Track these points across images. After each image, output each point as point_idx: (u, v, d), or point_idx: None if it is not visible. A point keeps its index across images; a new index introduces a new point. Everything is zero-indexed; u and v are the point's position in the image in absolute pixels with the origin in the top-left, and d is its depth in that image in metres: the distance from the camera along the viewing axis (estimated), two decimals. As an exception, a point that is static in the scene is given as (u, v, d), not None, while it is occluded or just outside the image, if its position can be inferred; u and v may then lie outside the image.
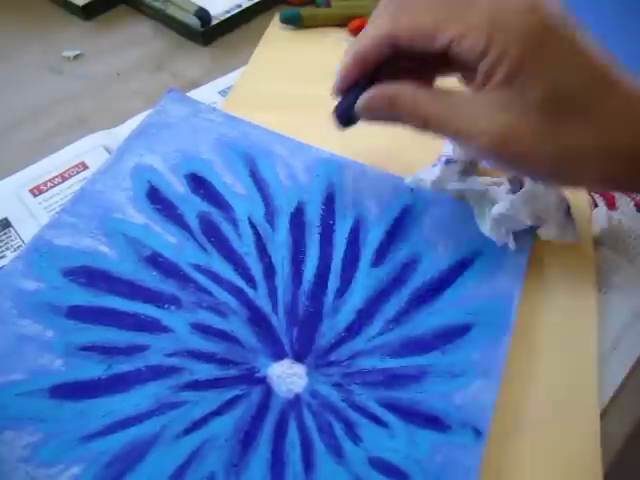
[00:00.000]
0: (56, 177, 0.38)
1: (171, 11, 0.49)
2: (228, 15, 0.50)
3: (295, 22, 0.51)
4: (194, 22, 0.48)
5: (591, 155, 0.27)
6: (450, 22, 0.26)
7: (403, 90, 0.28)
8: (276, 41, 0.50)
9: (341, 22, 0.52)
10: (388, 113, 0.29)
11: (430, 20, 0.26)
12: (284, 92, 0.45)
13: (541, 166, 0.27)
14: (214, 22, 0.49)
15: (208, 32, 0.49)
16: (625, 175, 0.27)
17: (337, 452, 0.28)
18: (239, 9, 0.51)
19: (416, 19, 0.26)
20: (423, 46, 0.27)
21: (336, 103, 0.31)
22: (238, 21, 0.51)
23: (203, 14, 0.48)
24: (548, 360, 0.33)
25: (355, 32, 0.50)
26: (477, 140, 0.27)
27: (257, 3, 0.52)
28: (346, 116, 0.32)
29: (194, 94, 0.44)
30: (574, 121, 0.26)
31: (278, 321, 0.32)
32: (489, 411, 0.30)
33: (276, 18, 0.51)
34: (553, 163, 0.27)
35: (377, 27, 0.28)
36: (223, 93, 0.45)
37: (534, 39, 0.25)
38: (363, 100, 0.29)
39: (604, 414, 0.31)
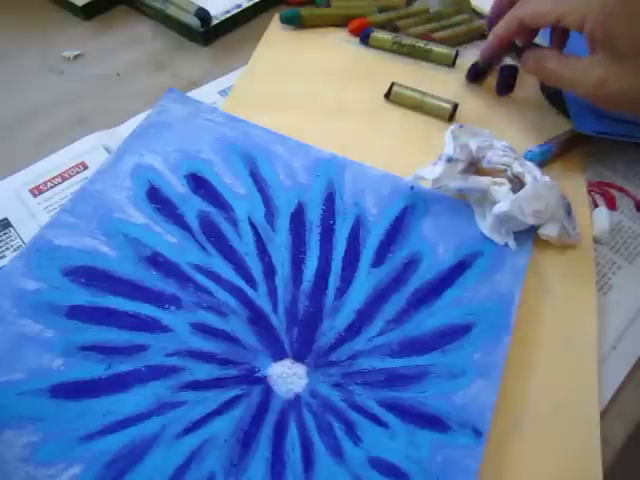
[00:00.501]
0: (56, 177, 0.38)
1: (171, 11, 0.49)
2: (228, 15, 0.50)
3: (295, 22, 0.51)
4: (194, 22, 0.48)
5: None
6: (557, 6, 0.37)
7: (535, 53, 0.42)
8: (276, 41, 0.50)
9: (341, 22, 0.52)
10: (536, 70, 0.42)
11: (543, 8, 0.38)
12: (284, 92, 0.45)
13: (628, 102, 0.37)
14: (214, 22, 0.49)
15: (208, 32, 0.49)
16: None
17: (337, 452, 0.28)
18: (239, 9, 0.51)
19: (536, 7, 0.39)
20: (540, 23, 0.39)
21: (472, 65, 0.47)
22: (238, 21, 0.51)
23: (203, 14, 0.48)
24: (548, 360, 0.33)
25: (355, 32, 0.50)
26: (581, 84, 0.37)
27: (257, 3, 0.52)
28: (479, 73, 0.48)
29: (194, 94, 0.44)
30: None
31: (278, 321, 0.32)
32: (489, 411, 0.30)
33: (276, 18, 0.51)
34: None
35: (509, 17, 0.41)
36: (223, 93, 0.45)
37: (617, 9, 0.34)
38: (526, 56, 0.42)
39: (604, 414, 0.31)
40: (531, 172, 0.36)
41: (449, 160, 0.37)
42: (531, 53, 0.42)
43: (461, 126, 0.39)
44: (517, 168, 0.37)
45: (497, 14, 0.43)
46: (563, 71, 0.39)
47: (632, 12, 0.34)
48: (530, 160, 0.38)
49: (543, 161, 0.41)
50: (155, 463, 0.27)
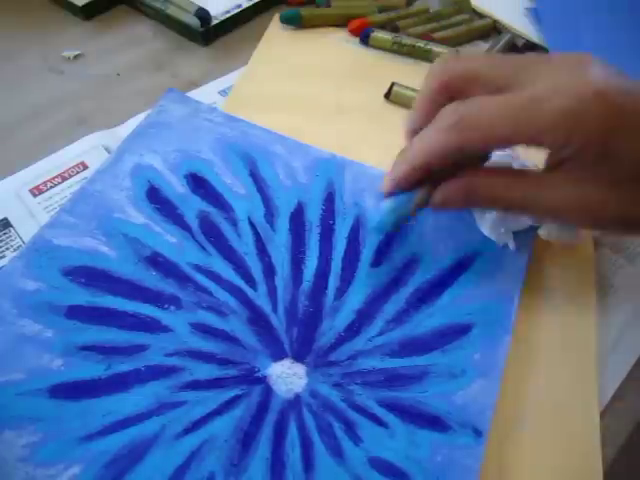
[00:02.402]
0: (56, 177, 0.38)
1: (171, 11, 0.49)
2: (228, 15, 0.50)
3: (295, 22, 0.51)
4: (194, 22, 0.48)
5: None
6: (524, 128, 0.25)
7: (478, 181, 0.28)
8: (276, 41, 0.50)
9: (341, 22, 0.52)
10: (465, 204, 0.29)
11: (503, 131, 0.26)
12: (284, 92, 0.45)
13: (620, 224, 0.28)
14: (214, 22, 0.49)
15: (208, 32, 0.49)
16: None
17: (337, 452, 0.28)
18: (239, 9, 0.51)
19: (488, 132, 0.26)
20: (495, 148, 0.27)
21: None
22: (238, 21, 0.51)
23: (203, 14, 0.48)
24: (548, 360, 0.33)
25: (355, 32, 0.50)
26: (566, 215, 0.28)
27: (257, 3, 0.52)
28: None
29: (194, 94, 0.44)
30: None
31: (278, 321, 0.32)
32: (489, 411, 0.30)
33: (276, 18, 0.51)
34: (633, 221, 0.28)
35: (441, 144, 0.27)
36: (223, 93, 0.45)
37: (612, 125, 0.25)
38: (441, 195, 0.28)
39: (604, 414, 0.31)
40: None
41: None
42: (457, 183, 0.28)
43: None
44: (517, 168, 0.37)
45: (423, 123, 0.28)
46: (537, 197, 0.27)
47: (630, 130, 0.25)
48: (377, 225, 0.30)
49: (398, 220, 0.30)
50: (155, 463, 0.27)
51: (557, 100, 0.25)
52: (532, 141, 0.25)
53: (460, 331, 0.32)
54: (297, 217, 0.36)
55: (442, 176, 0.27)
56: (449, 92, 0.28)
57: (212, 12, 0.49)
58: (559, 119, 0.25)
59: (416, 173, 0.27)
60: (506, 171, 0.28)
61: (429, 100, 0.28)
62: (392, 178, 0.28)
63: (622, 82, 0.25)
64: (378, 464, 0.28)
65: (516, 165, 0.37)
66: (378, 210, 0.28)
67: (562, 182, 0.27)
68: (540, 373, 0.32)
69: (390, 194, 0.28)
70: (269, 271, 0.34)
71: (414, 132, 0.28)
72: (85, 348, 0.30)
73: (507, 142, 0.26)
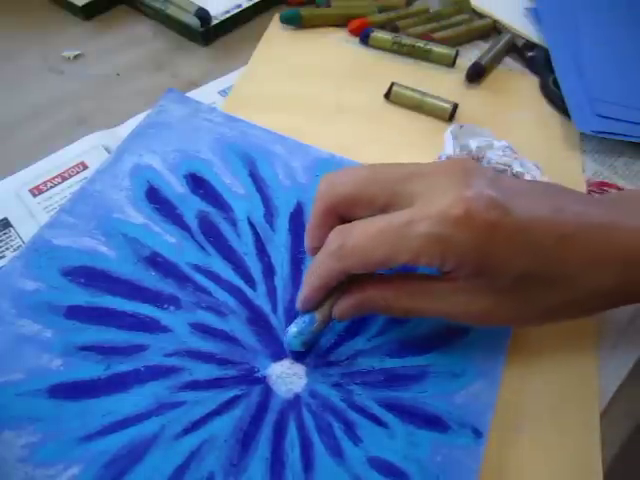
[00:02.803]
0: (56, 177, 0.38)
1: (171, 11, 0.49)
2: (228, 15, 0.50)
3: (295, 22, 0.51)
4: (194, 22, 0.48)
5: (562, 308, 0.29)
6: (398, 252, 0.26)
7: (372, 294, 0.29)
8: (276, 41, 0.50)
9: (341, 22, 0.52)
10: (361, 314, 0.30)
11: (379, 255, 0.26)
12: (284, 92, 0.45)
13: (515, 324, 0.31)
14: (214, 22, 0.49)
15: (208, 32, 0.49)
16: (596, 310, 0.31)
17: (337, 452, 0.28)
18: (239, 9, 0.51)
19: (366, 256, 0.27)
20: (376, 269, 0.28)
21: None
22: (238, 21, 0.51)
23: (203, 14, 0.48)
24: (548, 360, 0.33)
25: (355, 32, 0.50)
26: (456, 319, 0.29)
27: (257, 3, 0.51)
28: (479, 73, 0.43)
29: (194, 94, 0.44)
30: (542, 289, 0.28)
31: (277, 321, 0.32)
32: (489, 412, 0.30)
33: (276, 18, 0.51)
34: (533, 323, 0.31)
35: (328, 269, 0.28)
36: (223, 93, 0.45)
37: (483, 242, 0.26)
38: (338, 312, 0.29)
39: (604, 414, 0.31)
40: (530, 172, 0.36)
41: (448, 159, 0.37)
42: (351, 299, 0.29)
43: (461, 126, 0.39)
44: (517, 168, 0.37)
45: (319, 243, 0.29)
46: (428, 307, 0.29)
47: (503, 246, 0.26)
48: (289, 345, 0.30)
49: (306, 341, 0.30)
50: (154, 463, 0.27)
51: (425, 226, 0.25)
52: (410, 262, 0.26)
53: (460, 332, 0.32)
54: (296, 217, 0.36)
55: (343, 287, 0.29)
56: (336, 215, 0.29)
57: (212, 12, 0.49)
58: (427, 244, 0.26)
59: (317, 293, 0.29)
60: (397, 281, 0.29)
61: (319, 223, 0.29)
62: (300, 299, 0.30)
63: (495, 197, 0.26)
64: (378, 464, 0.28)
65: (517, 165, 0.37)
66: (290, 328, 0.30)
67: (448, 292, 0.28)
68: (540, 373, 0.32)
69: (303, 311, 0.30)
70: (268, 271, 0.34)
71: (314, 250, 0.30)
72: (84, 348, 0.30)
73: (385, 265, 0.27)
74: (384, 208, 0.28)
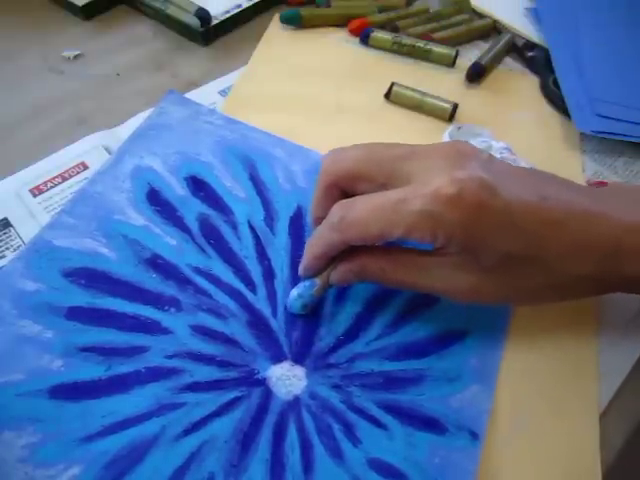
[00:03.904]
0: (56, 177, 0.38)
1: (171, 11, 0.49)
2: (228, 15, 0.50)
3: (295, 22, 0.51)
4: (194, 22, 0.48)
5: (544, 290, 0.30)
6: (392, 227, 0.28)
7: (369, 263, 0.31)
8: (276, 41, 0.50)
9: (341, 22, 0.52)
10: (358, 281, 0.32)
11: (375, 229, 0.28)
12: (284, 92, 0.45)
13: (500, 303, 0.33)
14: (214, 22, 0.49)
15: (208, 32, 0.49)
16: (577, 295, 0.32)
17: (336, 453, 0.28)
18: (239, 9, 0.50)
19: (363, 230, 0.29)
20: (374, 243, 0.30)
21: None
22: (238, 21, 0.51)
23: (203, 14, 0.48)
24: (547, 360, 0.33)
25: (355, 32, 0.51)
26: (447, 294, 0.31)
27: (257, 3, 0.51)
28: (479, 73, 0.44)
29: (194, 94, 0.44)
30: (527, 270, 0.29)
31: (277, 324, 0.32)
32: (485, 415, 0.30)
33: (276, 18, 0.51)
34: (515, 302, 0.33)
35: (329, 239, 0.30)
36: (223, 93, 0.45)
37: (471, 221, 0.27)
38: (336, 275, 0.31)
39: (604, 414, 0.31)
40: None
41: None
42: (350, 265, 0.31)
43: (459, 127, 0.39)
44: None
45: (322, 214, 0.31)
46: (420, 280, 0.30)
47: (490, 226, 0.27)
48: (291, 308, 0.32)
49: (306, 304, 0.32)
50: (155, 464, 0.27)
51: (418, 203, 0.27)
52: (404, 237, 0.28)
53: (456, 336, 0.32)
54: (297, 221, 0.36)
55: (343, 256, 0.31)
56: (339, 188, 0.31)
57: (212, 12, 0.48)
58: (420, 220, 0.27)
59: (318, 262, 0.31)
60: (394, 253, 0.31)
61: (322, 196, 0.32)
62: (302, 267, 0.32)
63: (486, 179, 0.27)
64: (377, 465, 0.28)
65: (513, 164, 0.37)
66: (292, 292, 0.32)
67: (440, 267, 0.30)
68: (539, 373, 0.32)
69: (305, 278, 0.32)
70: (269, 274, 0.34)
71: (317, 220, 0.32)
72: (85, 349, 0.30)
73: (381, 239, 0.29)
74: (383, 184, 0.30)
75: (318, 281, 0.31)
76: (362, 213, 0.29)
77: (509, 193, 0.28)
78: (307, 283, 0.32)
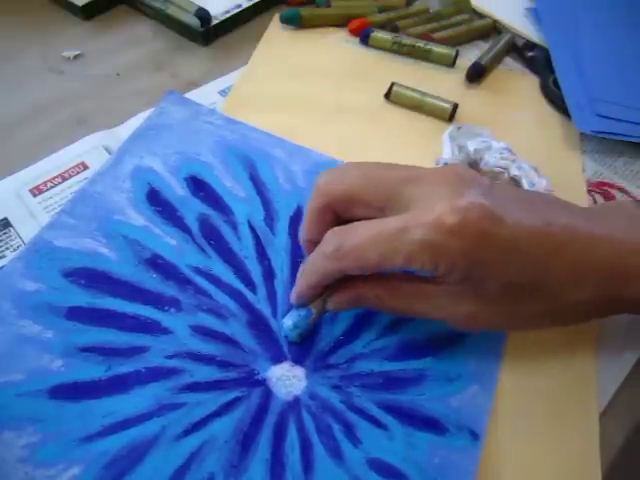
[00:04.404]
0: (56, 177, 0.38)
1: (171, 11, 0.49)
2: (228, 15, 0.50)
3: (295, 22, 0.51)
4: (194, 22, 0.48)
5: (543, 316, 0.30)
6: (392, 257, 0.27)
7: (366, 291, 0.30)
8: (276, 41, 0.50)
9: (341, 22, 0.52)
10: (354, 308, 0.32)
11: (374, 258, 0.27)
12: (284, 92, 0.45)
13: (501, 329, 0.33)
14: (214, 22, 0.49)
15: (208, 32, 0.49)
16: (575, 321, 0.32)
17: (336, 453, 0.28)
18: (239, 9, 0.50)
19: (361, 259, 0.28)
20: (372, 271, 0.29)
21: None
22: (238, 21, 0.51)
23: (203, 14, 0.48)
24: (547, 361, 0.33)
25: (355, 32, 0.51)
26: (444, 321, 0.30)
27: (257, 3, 0.51)
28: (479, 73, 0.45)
29: (194, 94, 0.44)
30: (528, 297, 0.29)
31: (277, 324, 0.32)
32: (485, 414, 0.30)
33: (276, 18, 0.51)
34: (515, 329, 0.32)
35: (324, 269, 0.29)
36: (223, 93, 0.45)
37: (474, 250, 0.26)
38: (333, 304, 0.31)
39: (604, 414, 0.31)
40: (527, 176, 0.36)
41: (446, 164, 0.37)
42: (347, 293, 0.30)
43: (459, 127, 0.39)
44: (514, 171, 0.37)
45: (315, 236, 0.31)
46: (418, 308, 0.30)
47: (493, 255, 0.27)
48: (286, 336, 0.32)
49: (302, 333, 0.31)
50: (155, 464, 0.27)
51: (419, 232, 0.26)
52: (403, 266, 0.27)
53: (456, 336, 0.32)
54: (297, 221, 0.36)
55: (337, 285, 0.30)
56: (332, 211, 0.30)
57: (212, 12, 0.49)
58: (421, 250, 0.26)
59: (312, 291, 0.30)
60: (391, 281, 0.30)
61: (316, 217, 0.30)
62: (295, 295, 0.31)
63: (488, 207, 0.27)
64: (377, 465, 0.28)
65: (514, 168, 0.37)
66: (286, 320, 0.31)
67: (438, 296, 0.29)
68: (539, 374, 0.32)
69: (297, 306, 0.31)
70: (269, 274, 0.34)
71: (309, 242, 0.31)
72: (85, 349, 0.30)
73: (380, 267, 0.28)
74: (380, 209, 0.29)
75: (313, 310, 0.31)
76: (360, 242, 0.28)
77: (512, 219, 0.27)
78: (302, 313, 0.31)
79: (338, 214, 0.30)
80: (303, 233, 0.31)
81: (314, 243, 0.30)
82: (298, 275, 0.31)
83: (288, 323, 0.31)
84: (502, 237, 0.27)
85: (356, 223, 0.29)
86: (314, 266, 0.29)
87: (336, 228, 0.29)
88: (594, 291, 0.29)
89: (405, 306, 0.30)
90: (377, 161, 0.31)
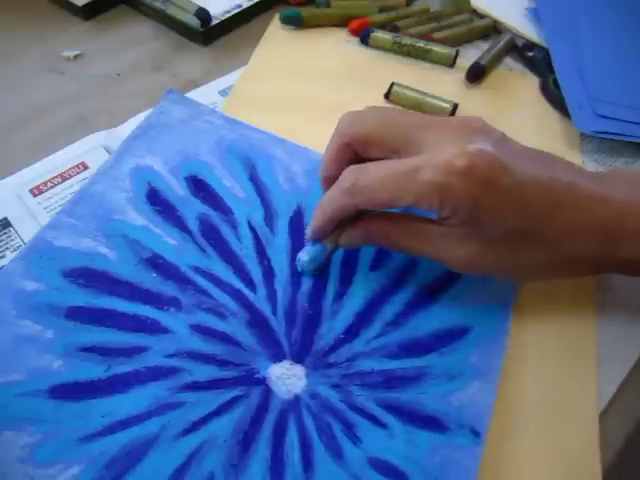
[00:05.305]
0: (56, 177, 0.38)
1: (171, 11, 0.49)
2: (228, 15, 0.50)
3: (295, 22, 0.51)
4: (194, 22, 0.48)
5: (539, 267, 0.31)
6: (402, 195, 0.29)
7: (377, 228, 0.32)
8: (276, 41, 0.50)
9: (341, 22, 0.52)
10: (366, 245, 0.34)
11: (386, 195, 0.29)
12: (284, 92, 0.45)
13: (502, 277, 0.33)
14: (214, 22, 0.49)
15: (208, 32, 0.49)
16: (573, 274, 0.33)
17: (336, 453, 0.28)
18: (239, 9, 0.51)
19: (374, 196, 0.29)
20: (383, 208, 0.31)
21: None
22: (238, 21, 0.51)
23: (203, 14, 0.48)
24: (547, 361, 0.33)
25: (355, 32, 0.51)
26: (447, 263, 0.31)
27: (257, 3, 0.51)
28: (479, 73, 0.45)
29: (194, 94, 0.44)
30: (527, 246, 0.30)
31: (277, 323, 0.32)
32: (487, 413, 0.30)
33: (276, 18, 0.51)
34: (513, 276, 0.33)
35: (339, 203, 0.31)
36: (223, 93, 0.45)
37: (478, 194, 0.28)
38: (345, 239, 0.32)
39: (604, 414, 0.31)
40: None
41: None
42: (360, 229, 0.32)
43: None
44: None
45: (333, 172, 0.32)
46: (423, 247, 0.31)
47: (496, 202, 0.28)
48: (302, 270, 0.33)
49: (317, 267, 0.33)
50: (155, 463, 0.27)
51: (429, 173, 0.28)
52: (413, 205, 0.29)
53: (457, 334, 0.32)
54: (296, 221, 0.36)
55: (352, 219, 0.32)
56: (351, 150, 0.32)
57: (212, 12, 0.49)
58: (429, 190, 0.28)
59: (328, 224, 0.32)
60: (400, 220, 0.32)
61: (335, 156, 0.32)
62: (312, 229, 0.33)
63: (496, 155, 0.28)
64: (377, 464, 0.28)
65: None
66: (302, 255, 0.33)
67: (443, 237, 0.31)
68: (539, 374, 0.32)
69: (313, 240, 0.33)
70: (269, 274, 0.34)
71: (327, 179, 0.33)
72: (85, 349, 0.30)
73: (390, 205, 0.29)
74: (395, 151, 0.31)
75: (328, 245, 0.33)
76: (374, 179, 0.29)
77: (518, 170, 0.28)
78: (318, 247, 0.33)
79: (356, 154, 0.32)
80: (322, 170, 0.33)
81: (332, 180, 0.32)
82: (315, 211, 0.32)
83: (305, 258, 0.33)
84: (506, 185, 0.28)
85: (372, 163, 0.30)
86: (331, 201, 0.31)
87: (354, 166, 0.31)
88: (590, 248, 0.30)
89: (411, 245, 0.31)
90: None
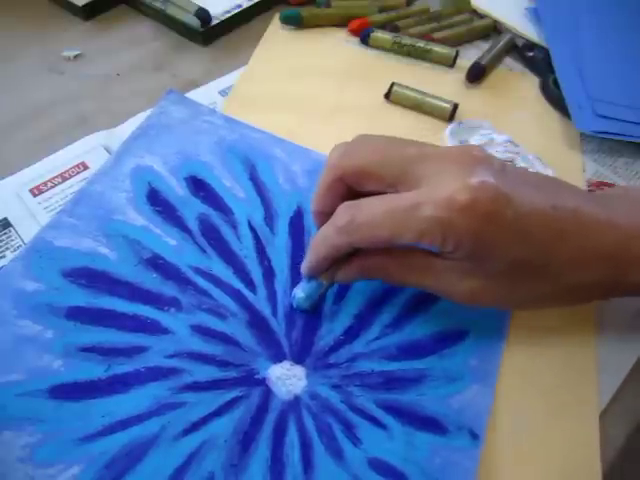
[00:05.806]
0: (56, 177, 0.38)
1: (171, 11, 0.49)
2: (228, 15, 0.50)
3: (295, 22, 0.51)
4: (194, 22, 0.48)
5: (546, 296, 0.31)
6: (402, 232, 0.28)
7: (374, 264, 0.31)
8: (276, 41, 0.50)
9: (341, 22, 0.52)
10: (363, 279, 0.32)
11: (385, 233, 0.28)
12: (284, 92, 0.45)
13: (503, 307, 0.33)
14: (214, 22, 0.49)
15: (208, 32, 0.49)
16: (579, 302, 0.33)
17: (336, 453, 0.28)
18: (239, 9, 0.50)
19: (373, 234, 0.28)
20: (380, 246, 0.30)
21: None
22: (238, 21, 0.51)
23: (203, 14, 0.48)
24: (547, 360, 0.33)
25: (355, 32, 0.51)
26: (449, 297, 0.31)
27: (257, 3, 0.51)
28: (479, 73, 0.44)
29: (194, 94, 0.44)
30: (532, 279, 0.29)
31: (277, 324, 0.32)
32: (485, 415, 0.30)
33: (276, 18, 0.51)
34: (516, 307, 0.33)
35: (338, 240, 0.30)
36: (223, 93, 0.45)
37: (481, 229, 0.27)
38: (342, 275, 0.31)
39: (604, 414, 0.31)
40: (533, 167, 0.36)
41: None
42: (357, 265, 0.31)
43: (460, 123, 0.39)
44: (520, 163, 0.37)
45: (326, 208, 0.31)
46: (423, 281, 0.31)
47: (500, 235, 0.27)
48: (297, 307, 0.33)
49: (313, 303, 0.33)
50: (155, 463, 0.27)
51: (430, 209, 0.27)
52: (414, 241, 0.28)
53: (456, 337, 0.32)
54: (297, 221, 0.36)
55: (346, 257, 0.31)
56: (344, 184, 0.30)
57: (212, 12, 0.48)
58: (431, 227, 0.27)
59: (322, 263, 0.31)
60: (399, 254, 0.31)
61: (327, 190, 0.31)
62: (306, 267, 0.32)
63: (499, 188, 0.27)
64: (377, 465, 0.28)
65: (519, 160, 0.37)
66: (298, 292, 0.32)
67: (444, 271, 0.30)
68: (539, 373, 0.32)
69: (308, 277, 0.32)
70: (269, 274, 0.34)
71: (319, 214, 0.32)
72: (85, 349, 0.30)
73: (390, 242, 0.28)
74: (392, 185, 0.29)
75: (324, 281, 0.32)
76: (371, 217, 0.28)
77: (521, 201, 0.28)
78: (314, 284, 0.32)
79: (350, 188, 0.31)
80: (313, 205, 0.32)
81: (325, 215, 0.31)
82: (310, 247, 0.31)
83: (300, 295, 0.32)
84: (509, 218, 0.27)
85: (368, 198, 0.29)
86: (325, 239, 0.30)
87: (349, 202, 0.29)
88: (596, 275, 0.29)
89: (411, 279, 0.31)
90: (389, 135, 0.31)
